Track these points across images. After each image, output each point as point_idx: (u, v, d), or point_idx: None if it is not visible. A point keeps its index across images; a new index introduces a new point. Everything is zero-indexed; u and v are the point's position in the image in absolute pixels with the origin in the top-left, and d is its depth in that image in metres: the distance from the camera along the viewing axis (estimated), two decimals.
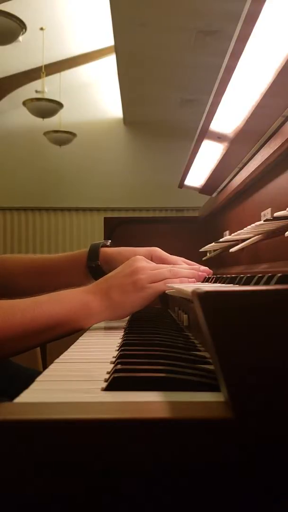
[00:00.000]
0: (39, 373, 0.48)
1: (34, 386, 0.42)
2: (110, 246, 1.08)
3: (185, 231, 1.93)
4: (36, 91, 5.82)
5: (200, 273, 0.93)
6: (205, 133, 1.27)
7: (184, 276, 0.88)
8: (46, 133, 5.47)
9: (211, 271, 0.98)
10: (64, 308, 0.76)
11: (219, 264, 1.50)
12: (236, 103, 1.06)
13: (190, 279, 0.88)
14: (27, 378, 0.46)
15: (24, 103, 5.04)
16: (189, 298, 0.66)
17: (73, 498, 0.30)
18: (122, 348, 0.59)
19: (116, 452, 0.30)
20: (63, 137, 5.47)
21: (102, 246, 1.06)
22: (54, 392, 0.41)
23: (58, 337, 0.77)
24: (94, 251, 1.05)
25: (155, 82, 5.06)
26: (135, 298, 0.82)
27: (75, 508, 0.30)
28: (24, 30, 3.72)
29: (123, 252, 1.03)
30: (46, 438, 0.30)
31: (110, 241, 1.11)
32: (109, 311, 0.80)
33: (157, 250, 1.00)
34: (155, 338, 0.68)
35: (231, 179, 1.35)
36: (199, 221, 1.96)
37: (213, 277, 0.98)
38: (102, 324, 0.99)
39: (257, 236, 0.96)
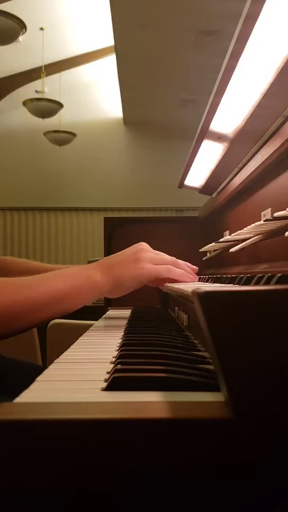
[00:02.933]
0: (37, 366, 0.48)
1: (34, 386, 0.42)
2: None
3: (185, 231, 1.93)
4: (36, 91, 5.82)
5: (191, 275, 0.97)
6: (205, 133, 1.27)
7: (184, 269, 0.93)
8: (46, 133, 5.47)
9: (196, 268, 1.01)
10: (69, 282, 0.80)
11: (219, 264, 1.50)
12: (236, 103, 1.06)
13: (189, 275, 0.93)
14: (25, 371, 0.46)
15: (24, 103, 5.04)
16: (189, 298, 0.66)
17: (73, 498, 0.30)
18: (122, 348, 0.59)
19: (116, 452, 0.30)
20: (63, 137, 5.47)
21: None
22: (54, 392, 0.41)
23: (65, 311, 0.79)
24: None
25: (155, 82, 5.06)
26: (134, 272, 0.85)
27: (75, 508, 0.30)
28: (24, 30, 3.72)
29: None
30: (46, 438, 0.30)
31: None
32: (110, 284, 0.84)
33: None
34: (155, 338, 0.68)
35: (231, 179, 1.35)
36: (199, 221, 1.96)
37: (213, 277, 0.98)
38: (102, 324, 0.99)
39: (257, 236, 0.96)
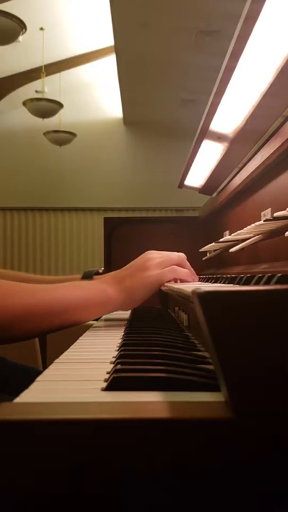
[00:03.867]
0: (38, 370, 0.49)
1: (34, 386, 0.42)
2: (103, 273, 1.13)
3: (185, 231, 1.93)
4: (36, 91, 5.81)
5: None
6: (205, 133, 1.27)
7: (188, 266, 0.95)
8: (46, 133, 5.47)
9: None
10: (85, 293, 0.81)
11: (219, 264, 1.50)
12: (236, 103, 1.06)
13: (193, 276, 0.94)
14: (25, 375, 0.46)
15: (24, 103, 5.04)
16: (189, 298, 0.66)
17: (72, 498, 0.30)
18: (122, 348, 0.59)
19: (116, 452, 0.30)
20: (63, 137, 5.46)
21: (95, 274, 1.12)
22: (54, 392, 0.41)
23: (78, 321, 0.79)
24: (87, 278, 1.11)
25: (155, 82, 5.06)
26: (144, 282, 0.87)
27: (75, 508, 0.30)
28: (24, 30, 3.72)
29: None
30: (46, 438, 0.30)
31: (103, 268, 1.15)
32: (122, 297, 0.85)
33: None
34: (155, 338, 0.68)
35: (231, 179, 1.35)
36: (199, 221, 1.96)
37: (213, 277, 0.98)
38: (102, 324, 1.00)
39: (257, 236, 0.96)
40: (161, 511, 0.31)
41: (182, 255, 0.95)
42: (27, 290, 0.75)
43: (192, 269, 0.97)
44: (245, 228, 0.95)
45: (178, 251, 0.96)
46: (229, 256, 1.27)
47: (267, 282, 0.61)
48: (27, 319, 0.73)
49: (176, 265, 0.91)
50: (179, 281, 0.92)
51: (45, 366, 1.74)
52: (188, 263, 0.96)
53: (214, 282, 0.92)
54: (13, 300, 0.72)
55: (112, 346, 0.64)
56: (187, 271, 0.93)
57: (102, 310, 0.84)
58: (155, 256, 0.91)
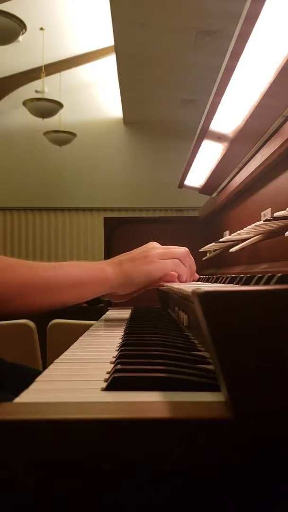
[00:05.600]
0: (38, 370, 0.48)
1: (34, 386, 0.42)
2: None
3: (185, 231, 1.93)
4: (36, 91, 5.82)
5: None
6: (205, 133, 1.27)
7: (189, 264, 0.94)
8: (46, 133, 5.47)
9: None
10: (83, 270, 0.82)
11: (219, 264, 1.50)
12: (236, 103, 1.06)
13: (192, 271, 0.95)
14: (25, 375, 0.46)
15: (24, 103, 5.04)
16: (189, 298, 0.66)
17: (72, 499, 0.30)
18: (122, 348, 0.58)
19: (116, 452, 0.30)
20: (63, 137, 5.47)
21: None
22: (54, 392, 0.41)
23: (76, 299, 0.80)
24: None
25: (155, 82, 5.06)
26: (143, 268, 0.87)
27: (75, 508, 0.30)
28: (24, 30, 3.73)
29: None
30: (46, 438, 0.30)
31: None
32: (120, 279, 0.85)
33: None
34: (155, 338, 0.68)
35: (231, 179, 1.35)
36: (199, 221, 1.96)
37: (213, 277, 0.98)
38: (102, 324, 0.99)
39: (257, 236, 0.96)
40: (161, 511, 0.31)
41: (185, 250, 0.95)
42: (24, 265, 0.76)
43: (194, 265, 0.97)
44: (245, 228, 0.95)
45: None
46: (229, 256, 1.27)
47: (267, 282, 0.61)
48: (23, 293, 0.73)
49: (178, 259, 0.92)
50: (177, 280, 0.92)
51: (45, 366, 1.74)
52: (192, 259, 0.96)
53: (214, 282, 0.92)
54: (10, 275, 0.73)
55: (112, 346, 0.64)
56: (186, 270, 0.93)
57: (99, 289, 0.84)
58: (157, 246, 0.92)
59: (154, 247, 0.92)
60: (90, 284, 0.82)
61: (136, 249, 0.92)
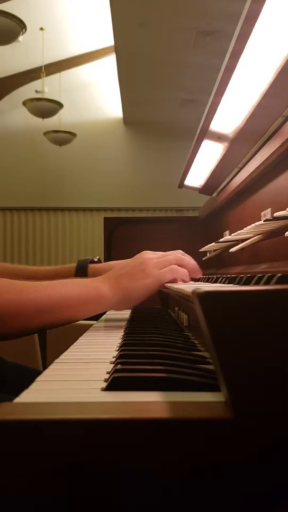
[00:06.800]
0: (38, 370, 0.48)
1: (34, 386, 0.42)
2: (98, 261, 1.11)
3: (185, 231, 1.93)
4: (36, 91, 5.81)
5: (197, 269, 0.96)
6: (205, 133, 1.27)
7: (188, 263, 0.91)
8: (46, 133, 5.47)
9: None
10: (77, 290, 0.79)
11: (219, 264, 1.50)
12: (236, 103, 1.06)
13: (194, 268, 0.92)
14: (25, 375, 0.46)
15: (24, 103, 5.04)
16: (189, 298, 0.66)
17: (72, 498, 0.30)
18: (122, 348, 0.59)
19: (116, 452, 0.30)
20: (63, 137, 5.46)
21: (90, 262, 1.11)
22: (54, 392, 0.41)
23: (70, 319, 0.78)
24: (82, 266, 1.08)
25: (155, 82, 5.06)
26: (142, 284, 0.84)
27: (75, 508, 0.30)
28: (24, 30, 3.72)
29: (113, 265, 1.04)
30: (46, 438, 0.30)
31: (98, 257, 1.14)
32: (118, 296, 0.82)
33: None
34: (155, 338, 0.68)
35: (231, 179, 1.35)
36: (199, 221, 1.96)
37: (213, 277, 0.98)
38: (102, 324, 0.99)
39: (257, 236, 0.96)
40: (161, 510, 0.31)
41: (178, 255, 0.92)
42: (16, 286, 0.74)
43: (194, 262, 0.94)
44: (245, 228, 0.95)
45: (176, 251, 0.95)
46: (229, 256, 1.27)
47: (267, 282, 0.61)
48: (14, 315, 0.72)
49: (175, 264, 0.89)
50: (178, 281, 0.91)
51: (45, 366, 1.74)
52: (189, 258, 0.93)
53: (214, 282, 0.92)
54: (1, 296, 0.72)
55: (112, 346, 0.64)
56: (186, 272, 0.90)
57: (95, 308, 0.81)
58: (152, 257, 0.89)
59: (149, 257, 0.88)
60: (85, 304, 0.79)
61: (129, 261, 0.89)
